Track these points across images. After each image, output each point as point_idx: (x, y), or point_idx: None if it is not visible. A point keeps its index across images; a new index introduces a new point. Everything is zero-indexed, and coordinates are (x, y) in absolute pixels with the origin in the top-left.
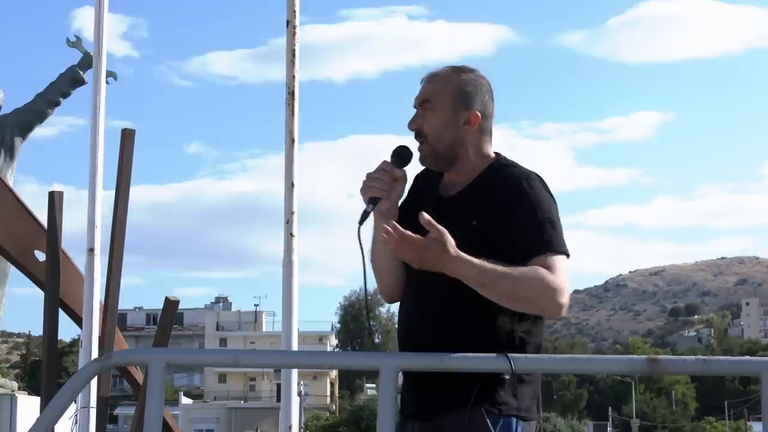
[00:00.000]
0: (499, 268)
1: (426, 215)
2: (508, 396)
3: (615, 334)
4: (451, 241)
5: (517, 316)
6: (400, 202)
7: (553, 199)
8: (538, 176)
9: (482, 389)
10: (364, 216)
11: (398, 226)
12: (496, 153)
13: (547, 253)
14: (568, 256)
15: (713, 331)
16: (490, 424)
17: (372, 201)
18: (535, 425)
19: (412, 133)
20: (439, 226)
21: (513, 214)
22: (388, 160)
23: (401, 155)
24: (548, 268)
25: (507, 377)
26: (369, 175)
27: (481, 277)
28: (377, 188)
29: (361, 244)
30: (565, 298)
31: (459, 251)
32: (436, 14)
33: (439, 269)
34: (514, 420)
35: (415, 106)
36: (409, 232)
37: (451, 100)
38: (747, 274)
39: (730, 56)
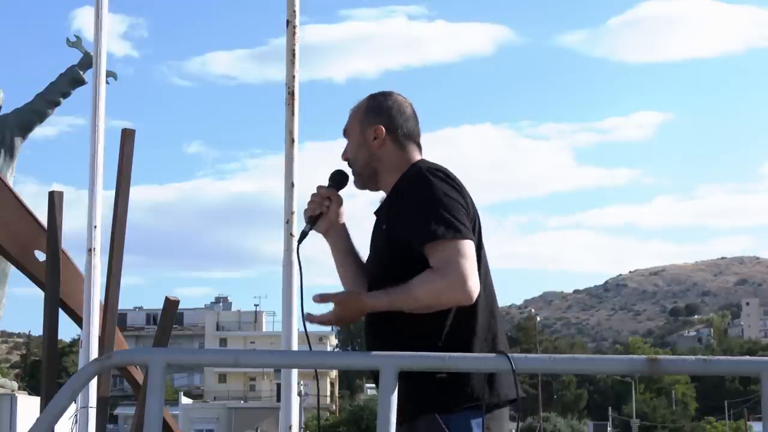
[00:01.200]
0: (402, 288)
1: (318, 296)
2: (456, 390)
3: (615, 334)
4: (349, 296)
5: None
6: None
7: (448, 186)
8: (432, 170)
9: (429, 394)
10: (302, 236)
11: (314, 316)
12: (416, 161)
13: (433, 242)
14: (456, 236)
15: (713, 331)
16: (443, 424)
17: (309, 220)
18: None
19: None
20: (337, 295)
21: (402, 212)
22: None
23: (335, 178)
24: (435, 259)
25: (444, 375)
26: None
27: (392, 304)
28: (311, 208)
29: (299, 261)
30: (464, 283)
31: (367, 295)
32: (436, 14)
33: (361, 316)
34: (465, 414)
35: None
36: (320, 315)
37: (359, 122)
38: (747, 274)
39: (730, 56)
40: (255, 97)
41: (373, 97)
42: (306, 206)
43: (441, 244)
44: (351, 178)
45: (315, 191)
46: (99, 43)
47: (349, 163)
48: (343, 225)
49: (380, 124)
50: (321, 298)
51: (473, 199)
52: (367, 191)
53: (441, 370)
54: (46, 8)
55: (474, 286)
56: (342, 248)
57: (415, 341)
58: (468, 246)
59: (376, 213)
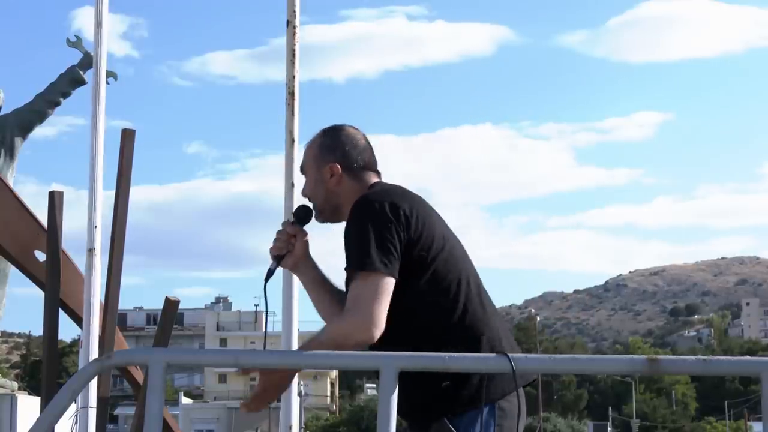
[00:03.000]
0: (312, 343)
1: (245, 405)
2: (464, 391)
3: (615, 334)
4: (263, 381)
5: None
6: None
7: (382, 217)
8: (371, 200)
9: (437, 400)
10: (269, 274)
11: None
12: (372, 184)
13: (349, 270)
14: (368, 269)
15: (713, 331)
16: (452, 427)
17: (275, 258)
18: (491, 406)
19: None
20: (260, 393)
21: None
22: (290, 220)
23: (299, 215)
24: (349, 300)
25: (447, 383)
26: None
27: (310, 366)
28: (277, 246)
29: (266, 299)
30: (367, 325)
31: (277, 371)
32: (436, 14)
33: (287, 380)
34: (469, 415)
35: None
36: (249, 402)
37: (314, 161)
38: (747, 274)
39: (730, 56)
40: (255, 97)
41: (325, 133)
42: (272, 244)
43: (354, 276)
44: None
45: (280, 228)
46: (99, 43)
47: (310, 200)
48: (310, 258)
49: (335, 161)
50: (247, 407)
51: (435, 219)
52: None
53: (441, 370)
54: (46, 8)
55: (376, 326)
56: (312, 279)
57: (419, 346)
58: (379, 281)
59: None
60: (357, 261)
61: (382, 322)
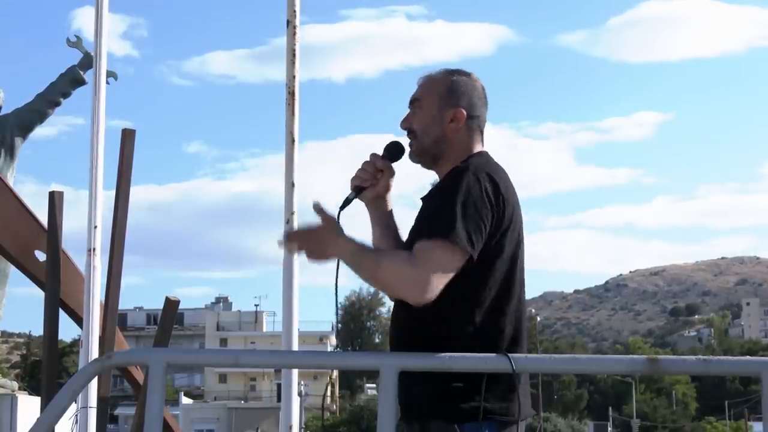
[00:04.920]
0: (373, 252)
1: (318, 203)
2: (471, 402)
3: (615, 334)
4: (337, 226)
5: (464, 314)
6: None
7: (480, 196)
8: (477, 174)
9: (448, 398)
10: (346, 202)
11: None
12: (480, 152)
13: (428, 238)
14: (451, 239)
15: (713, 331)
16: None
17: (355, 189)
18: (517, 424)
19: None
20: (328, 214)
21: (429, 207)
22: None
23: (391, 150)
24: (420, 252)
25: (460, 384)
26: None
27: (351, 259)
28: (361, 178)
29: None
30: (423, 287)
31: (346, 236)
32: (436, 14)
33: (328, 255)
34: (482, 425)
35: (408, 107)
36: (298, 229)
37: (438, 98)
38: (747, 274)
39: (731, 56)
40: (255, 96)
41: (455, 74)
42: (355, 174)
43: (433, 245)
44: (408, 150)
45: (368, 159)
46: (99, 43)
47: (411, 134)
48: (388, 198)
49: (462, 107)
50: (317, 209)
51: (520, 217)
52: (418, 166)
53: (442, 370)
54: (46, 8)
55: (432, 292)
56: (383, 220)
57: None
58: (456, 255)
59: (422, 199)
60: (445, 228)
61: (436, 294)
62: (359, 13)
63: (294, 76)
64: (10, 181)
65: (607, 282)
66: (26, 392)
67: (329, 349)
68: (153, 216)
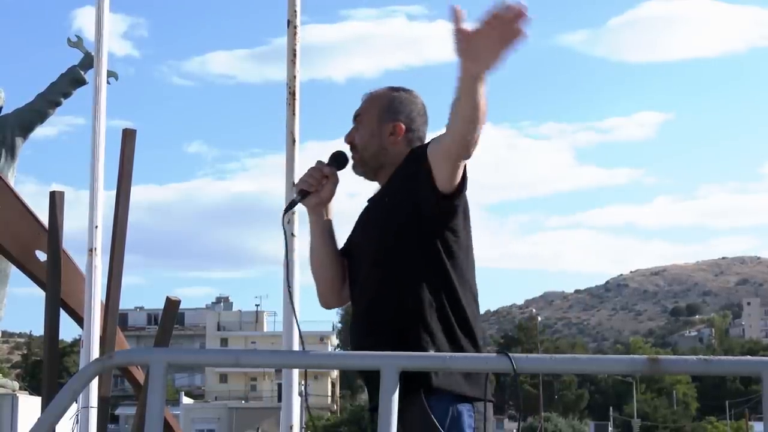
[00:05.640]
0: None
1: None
2: (441, 380)
3: (616, 334)
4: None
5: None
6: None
7: None
8: None
9: (419, 378)
10: (291, 205)
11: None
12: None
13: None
14: None
15: (714, 331)
16: (428, 406)
17: (301, 193)
18: (483, 404)
19: None
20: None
21: (406, 174)
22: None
23: (338, 158)
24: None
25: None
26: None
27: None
28: (308, 182)
29: (284, 229)
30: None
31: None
32: (436, 14)
33: (480, 68)
34: (453, 403)
35: (352, 122)
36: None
37: (378, 113)
38: (748, 274)
39: (731, 56)
40: (255, 96)
41: (396, 91)
42: (301, 178)
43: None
44: (351, 162)
45: (314, 165)
46: (100, 42)
47: (353, 148)
48: (330, 206)
49: (401, 122)
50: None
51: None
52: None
53: (442, 370)
54: (46, 8)
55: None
56: (323, 227)
57: (416, 336)
58: None
59: (370, 200)
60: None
61: None
62: (360, 13)
63: (294, 76)
64: (11, 181)
65: (607, 282)
66: (27, 392)
67: (330, 349)
68: (153, 216)
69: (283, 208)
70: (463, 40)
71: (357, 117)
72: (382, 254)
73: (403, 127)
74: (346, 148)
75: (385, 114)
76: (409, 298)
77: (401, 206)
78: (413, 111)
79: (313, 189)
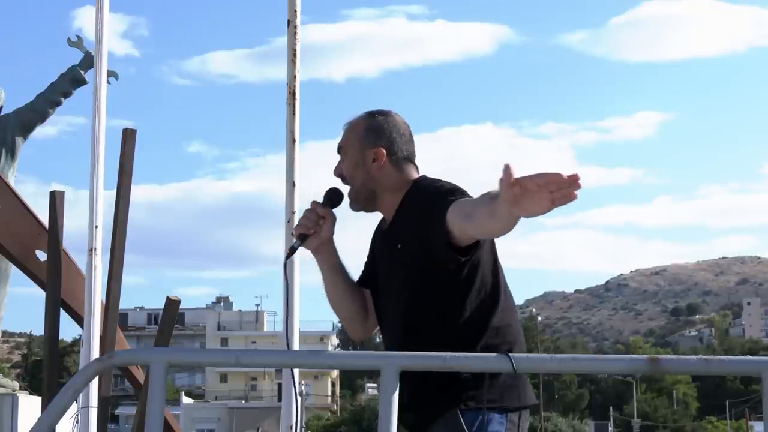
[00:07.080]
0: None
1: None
2: (475, 391)
3: (616, 333)
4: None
5: (479, 310)
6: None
7: (455, 185)
8: (436, 180)
9: (454, 389)
10: (291, 251)
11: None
12: (417, 178)
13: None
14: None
15: (714, 330)
16: (462, 420)
17: (300, 237)
18: (518, 414)
19: None
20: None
21: (422, 215)
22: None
23: (332, 197)
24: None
25: (467, 374)
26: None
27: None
28: (305, 225)
29: (286, 277)
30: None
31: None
32: (437, 14)
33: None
34: (486, 413)
35: (337, 153)
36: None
37: (359, 142)
38: (748, 274)
39: (732, 56)
40: (255, 96)
41: (372, 116)
42: (299, 222)
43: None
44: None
45: (309, 207)
46: (100, 42)
47: (343, 180)
48: (333, 243)
49: (381, 146)
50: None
51: None
52: (361, 213)
53: (442, 370)
54: (46, 8)
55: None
56: (331, 265)
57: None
58: None
59: (385, 235)
60: (462, 193)
61: None
62: (360, 12)
63: (295, 76)
64: (11, 181)
65: (607, 282)
66: (27, 392)
67: (330, 348)
68: (154, 216)
69: (285, 256)
70: (515, 194)
71: (340, 149)
72: (412, 313)
73: (384, 151)
74: (339, 183)
75: (364, 141)
76: (451, 337)
77: (415, 250)
78: (393, 132)
79: (312, 231)
